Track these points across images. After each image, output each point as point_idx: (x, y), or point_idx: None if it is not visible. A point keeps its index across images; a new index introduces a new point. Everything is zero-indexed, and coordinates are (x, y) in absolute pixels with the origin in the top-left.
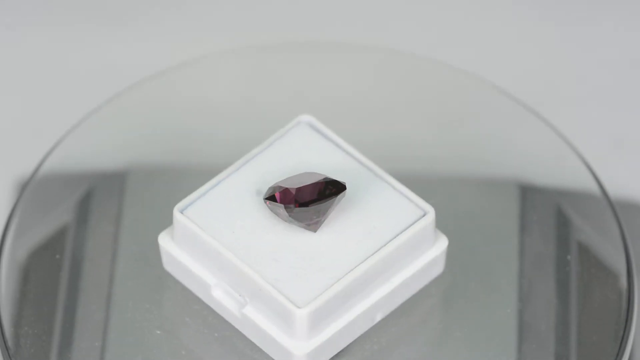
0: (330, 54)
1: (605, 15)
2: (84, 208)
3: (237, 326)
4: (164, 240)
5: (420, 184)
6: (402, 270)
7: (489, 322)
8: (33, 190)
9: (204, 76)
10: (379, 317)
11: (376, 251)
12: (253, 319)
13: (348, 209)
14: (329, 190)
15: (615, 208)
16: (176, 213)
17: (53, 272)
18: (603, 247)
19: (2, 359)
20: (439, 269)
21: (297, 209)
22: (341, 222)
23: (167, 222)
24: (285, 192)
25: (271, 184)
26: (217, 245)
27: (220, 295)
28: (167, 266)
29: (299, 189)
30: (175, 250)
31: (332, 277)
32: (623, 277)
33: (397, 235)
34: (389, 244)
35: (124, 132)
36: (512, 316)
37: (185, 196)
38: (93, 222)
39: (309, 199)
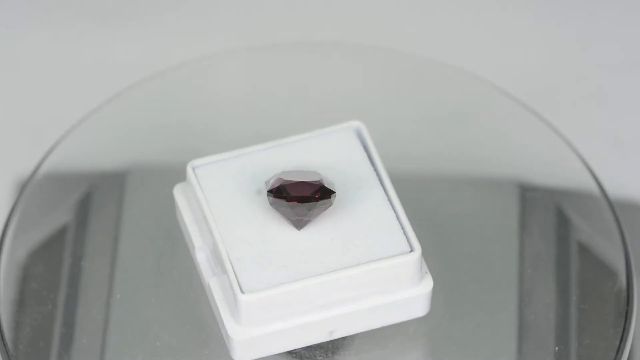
0: (330, 54)
1: (606, 15)
2: (84, 208)
3: (207, 294)
4: (177, 192)
5: (420, 184)
6: (371, 296)
7: (489, 322)
8: (33, 190)
9: (204, 76)
10: (338, 334)
11: (344, 268)
12: (213, 291)
13: (342, 218)
14: (319, 193)
15: (614, 208)
16: (189, 168)
17: (53, 272)
18: (603, 247)
19: (2, 359)
20: (420, 310)
21: (284, 202)
22: (329, 228)
23: (167, 221)
24: (280, 181)
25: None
26: (207, 209)
27: (201, 258)
28: (177, 216)
29: (294, 183)
30: (183, 202)
31: (290, 276)
32: (622, 276)
33: (374, 260)
34: (360, 266)
35: (124, 132)
36: (512, 316)
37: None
38: (93, 222)
39: (297, 195)
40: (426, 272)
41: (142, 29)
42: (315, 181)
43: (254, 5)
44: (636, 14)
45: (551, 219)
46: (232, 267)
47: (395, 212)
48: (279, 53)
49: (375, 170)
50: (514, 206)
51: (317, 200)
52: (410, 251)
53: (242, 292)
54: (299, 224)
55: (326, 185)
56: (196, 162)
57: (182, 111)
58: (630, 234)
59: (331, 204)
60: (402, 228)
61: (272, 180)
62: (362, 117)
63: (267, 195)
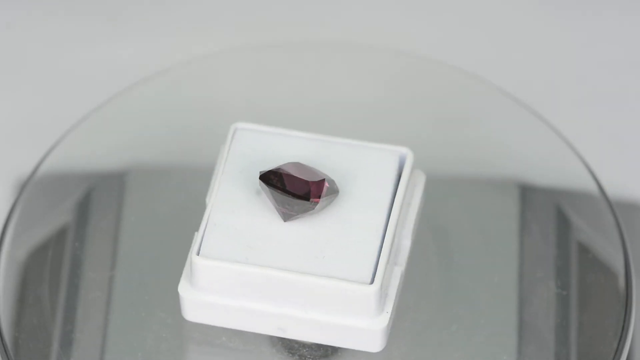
0: (330, 54)
1: (606, 15)
2: (84, 208)
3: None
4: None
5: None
6: (319, 311)
7: (489, 322)
8: (33, 190)
9: (204, 76)
10: (289, 335)
11: (300, 272)
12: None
13: (331, 225)
14: (312, 195)
15: (614, 208)
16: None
17: (53, 272)
18: (602, 247)
19: (2, 359)
20: (370, 344)
21: (278, 194)
22: (315, 230)
23: (167, 221)
24: (282, 170)
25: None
26: (220, 169)
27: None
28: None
29: (293, 177)
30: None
31: (249, 258)
32: (622, 276)
33: (327, 277)
34: (313, 277)
35: (124, 132)
36: (512, 316)
37: (185, 196)
38: (93, 222)
39: (290, 189)
40: (387, 312)
41: (142, 29)
42: (314, 181)
43: (254, 5)
44: (636, 14)
45: (551, 219)
46: (205, 228)
47: (382, 242)
48: (280, 53)
49: (394, 197)
50: (514, 206)
51: (303, 199)
52: (370, 283)
53: (197, 254)
54: (286, 216)
55: (324, 190)
56: (240, 125)
57: (182, 111)
58: (629, 234)
59: (312, 208)
60: (377, 259)
61: (271, 175)
62: (362, 117)
63: (260, 180)
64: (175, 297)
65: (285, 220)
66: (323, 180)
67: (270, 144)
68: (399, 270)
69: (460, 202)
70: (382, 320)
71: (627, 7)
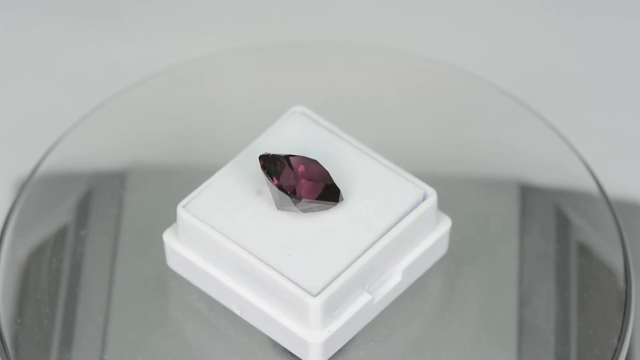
0: (330, 54)
1: (606, 15)
2: (84, 208)
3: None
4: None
5: None
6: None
7: (489, 322)
8: (32, 190)
9: (204, 76)
10: (245, 317)
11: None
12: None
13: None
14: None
15: (613, 208)
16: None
17: (53, 272)
18: (602, 247)
19: (2, 359)
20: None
21: (270, 182)
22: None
23: (167, 221)
24: (281, 161)
25: None
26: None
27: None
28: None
29: (289, 171)
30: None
31: (224, 227)
32: (621, 276)
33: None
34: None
35: (124, 132)
36: (512, 316)
37: (185, 195)
38: (93, 222)
39: (281, 183)
40: (329, 331)
41: (142, 29)
42: (308, 181)
43: (255, 5)
44: (636, 14)
45: (551, 219)
46: (205, 187)
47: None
48: (279, 53)
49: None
50: (514, 206)
51: (286, 194)
52: (314, 295)
53: (183, 206)
54: (278, 205)
55: (317, 194)
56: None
57: (182, 111)
58: (629, 234)
59: (293, 206)
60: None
61: (294, 166)
62: (362, 116)
63: (260, 159)
64: (176, 297)
65: (277, 209)
66: (321, 185)
67: (312, 136)
68: (366, 298)
69: (460, 202)
70: (319, 336)
71: (627, 7)
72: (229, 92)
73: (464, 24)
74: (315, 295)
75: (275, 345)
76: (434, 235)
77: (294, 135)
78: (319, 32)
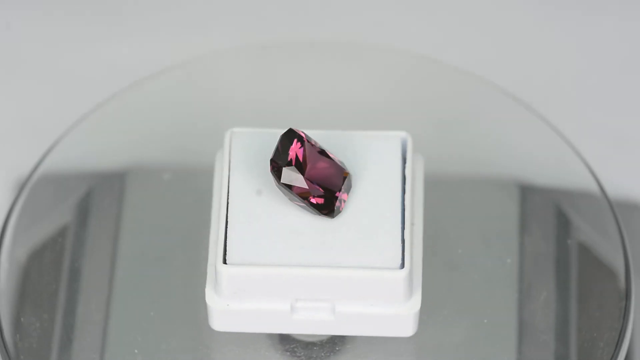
0: (330, 54)
1: (606, 15)
2: (84, 208)
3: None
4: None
5: None
6: (355, 305)
7: (489, 322)
8: (32, 190)
9: (204, 76)
10: (323, 330)
11: (333, 267)
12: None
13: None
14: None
15: (614, 208)
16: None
17: (53, 272)
18: (602, 247)
19: (2, 359)
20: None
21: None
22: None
23: (167, 221)
24: (314, 168)
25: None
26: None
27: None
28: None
29: (323, 173)
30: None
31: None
32: (622, 276)
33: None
34: (348, 270)
35: (124, 132)
36: (512, 316)
37: (185, 195)
38: (93, 222)
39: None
40: (417, 296)
41: (142, 29)
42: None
43: (254, 5)
44: (636, 14)
45: (551, 219)
46: (226, 235)
47: (402, 227)
48: (279, 53)
49: (404, 182)
50: (514, 206)
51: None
52: (400, 268)
53: (223, 262)
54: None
55: (344, 187)
56: (235, 129)
57: (182, 111)
58: (629, 234)
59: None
60: (402, 244)
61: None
62: (362, 117)
63: (274, 165)
64: (176, 297)
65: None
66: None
67: (269, 145)
68: (419, 253)
69: (460, 202)
70: (414, 305)
71: (627, 7)
72: (229, 92)
73: (464, 23)
74: (401, 268)
75: (274, 338)
76: (419, 173)
77: (249, 153)
78: (319, 32)
